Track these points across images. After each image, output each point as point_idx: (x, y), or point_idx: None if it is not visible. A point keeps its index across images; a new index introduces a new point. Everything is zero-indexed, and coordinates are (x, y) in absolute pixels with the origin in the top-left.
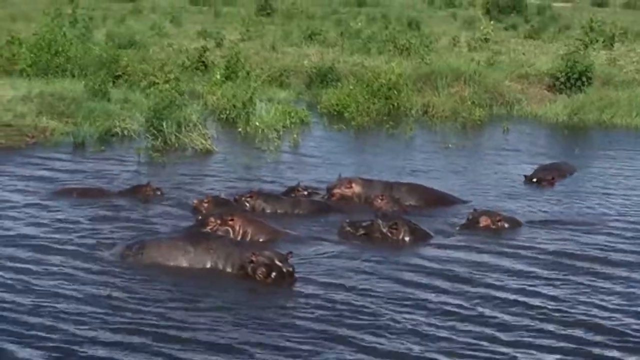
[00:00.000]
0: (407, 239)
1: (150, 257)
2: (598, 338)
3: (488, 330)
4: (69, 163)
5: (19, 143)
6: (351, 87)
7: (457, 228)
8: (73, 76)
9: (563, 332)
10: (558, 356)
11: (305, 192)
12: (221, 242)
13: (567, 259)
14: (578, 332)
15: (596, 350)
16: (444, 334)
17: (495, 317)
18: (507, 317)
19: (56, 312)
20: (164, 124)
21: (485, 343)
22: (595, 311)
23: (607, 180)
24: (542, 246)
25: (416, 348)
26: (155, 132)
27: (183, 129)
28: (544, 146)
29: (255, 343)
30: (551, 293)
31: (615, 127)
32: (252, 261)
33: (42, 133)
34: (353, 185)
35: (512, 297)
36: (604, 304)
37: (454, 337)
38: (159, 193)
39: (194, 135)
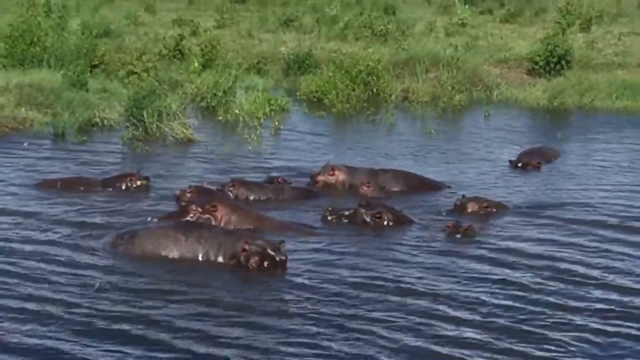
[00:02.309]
0: (391, 226)
1: (141, 246)
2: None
3: (477, 317)
4: (49, 153)
5: None
6: (330, 74)
7: (445, 214)
8: (50, 66)
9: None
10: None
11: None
12: (213, 232)
13: (553, 245)
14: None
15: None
16: (432, 320)
17: (483, 302)
18: (489, 299)
19: (45, 302)
20: (145, 113)
21: (470, 329)
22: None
23: (591, 163)
24: (528, 232)
25: (403, 335)
26: (136, 121)
27: (164, 118)
28: (526, 130)
29: (247, 333)
30: (535, 280)
31: (595, 110)
32: (244, 250)
33: (21, 124)
34: (336, 172)
35: (496, 283)
36: (583, 293)
37: (443, 324)
38: (144, 182)
39: (174, 124)
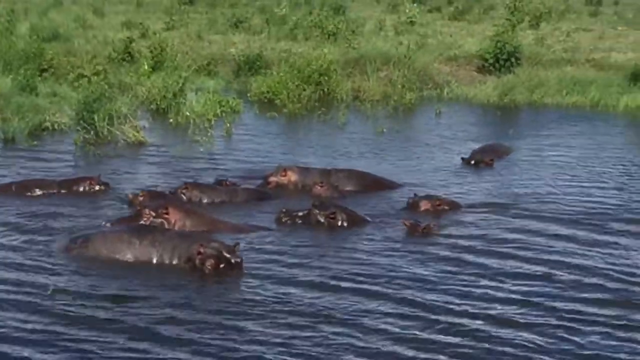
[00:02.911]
0: (345, 226)
1: (95, 249)
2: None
3: (429, 314)
4: (1, 159)
5: None
6: (282, 74)
7: (397, 213)
8: None
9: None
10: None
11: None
12: (167, 235)
13: (502, 242)
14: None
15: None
16: (387, 319)
17: (428, 300)
18: (434, 298)
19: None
20: (95, 116)
21: (421, 324)
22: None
23: (542, 160)
24: (481, 229)
25: (361, 335)
26: (87, 125)
27: (115, 121)
28: (478, 128)
29: (202, 335)
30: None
31: (545, 107)
32: (199, 253)
33: None
34: (288, 173)
35: (440, 279)
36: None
37: (400, 322)
38: (103, 187)
39: (125, 127)
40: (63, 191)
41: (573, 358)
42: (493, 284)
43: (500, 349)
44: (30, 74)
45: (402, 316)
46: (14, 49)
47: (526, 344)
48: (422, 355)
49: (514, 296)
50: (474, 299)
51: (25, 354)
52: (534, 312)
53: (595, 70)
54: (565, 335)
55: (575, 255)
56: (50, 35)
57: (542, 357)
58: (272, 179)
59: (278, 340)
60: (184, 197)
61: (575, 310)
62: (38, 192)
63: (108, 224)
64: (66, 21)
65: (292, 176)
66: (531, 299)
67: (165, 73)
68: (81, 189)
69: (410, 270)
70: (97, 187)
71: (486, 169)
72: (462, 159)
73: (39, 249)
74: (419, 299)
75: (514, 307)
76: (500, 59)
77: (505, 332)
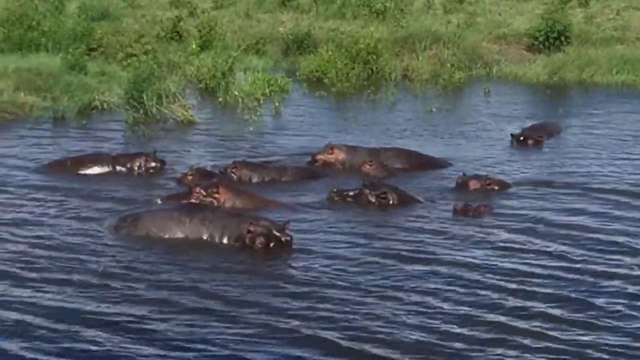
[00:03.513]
0: (395, 205)
1: (144, 228)
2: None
3: (489, 295)
4: (51, 138)
5: None
6: (330, 53)
7: (447, 192)
8: (47, 50)
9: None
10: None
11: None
12: (217, 213)
13: (553, 222)
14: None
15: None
16: (435, 300)
17: (487, 281)
18: (496, 282)
19: (53, 287)
20: (144, 96)
21: (483, 310)
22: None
23: (593, 139)
24: (528, 210)
25: (410, 315)
26: (136, 104)
27: (163, 100)
28: (527, 107)
29: (252, 312)
30: (535, 257)
31: (595, 85)
32: (249, 231)
33: (21, 109)
34: (335, 151)
35: (498, 262)
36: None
37: (452, 306)
38: (158, 165)
39: (174, 106)
40: (118, 167)
41: None
42: (543, 262)
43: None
44: (79, 53)
45: (454, 293)
46: (63, 29)
47: (594, 321)
48: (471, 333)
49: (575, 276)
50: (526, 277)
51: (77, 331)
52: (601, 291)
53: None
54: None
55: (631, 234)
56: (99, 15)
57: (612, 337)
58: (319, 157)
59: (327, 315)
60: (234, 176)
61: None
62: (93, 167)
63: (159, 201)
64: (115, 0)
65: (339, 154)
66: (597, 280)
67: (215, 52)
68: (136, 165)
69: (459, 251)
70: (152, 164)
71: (536, 149)
72: (512, 135)
73: (90, 227)
74: (470, 278)
75: (577, 287)
76: (550, 37)
77: (567, 313)
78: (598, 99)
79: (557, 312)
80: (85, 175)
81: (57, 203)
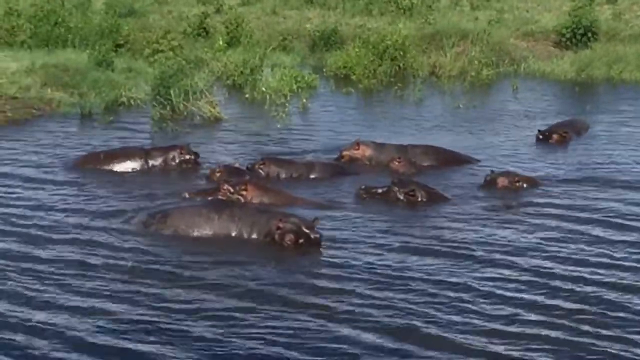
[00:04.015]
0: (424, 202)
1: (173, 225)
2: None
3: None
4: (78, 135)
5: (26, 116)
6: (357, 50)
7: (476, 189)
8: (74, 46)
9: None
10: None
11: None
12: (246, 210)
13: (587, 218)
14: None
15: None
16: (468, 296)
17: (518, 280)
18: (528, 277)
19: (80, 282)
20: (172, 92)
21: (505, 306)
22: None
23: (621, 137)
24: (559, 206)
25: (443, 310)
26: (163, 100)
27: (190, 97)
28: (555, 103)
29: (281, 310)
30: (565, 251)
31: (624, 83)
32: (279, 228)
33: (48, 105)
34: (362, 147)
35: (528, 259)
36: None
37: (482, 305)
38: (193, 157)
39: (201, 102)
40: (151, 161)
41: None
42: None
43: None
44: (106, 49)
45: (489, 289)
46: (89, 25)
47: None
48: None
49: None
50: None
51: (103, 328)
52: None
53: None
54: None
55: None
56: (126, 11)
57: None
58: (346, 152)
59: (356, 311)
60: (262, 173)
61: None
62: (126, 161)
63: (186, 195)
64: None
65: (366, 151)
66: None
67: (244, 49)
68: (170, 158)
69: (487, 248)
70: (187, 157)
71: (562, 145)
72: (538, 131)
73: (119, 223)
74: (509, 269)
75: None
76: (577, 34)
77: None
78: (627, 96)
79: None
80: (117, 169)
81: (87, 196)
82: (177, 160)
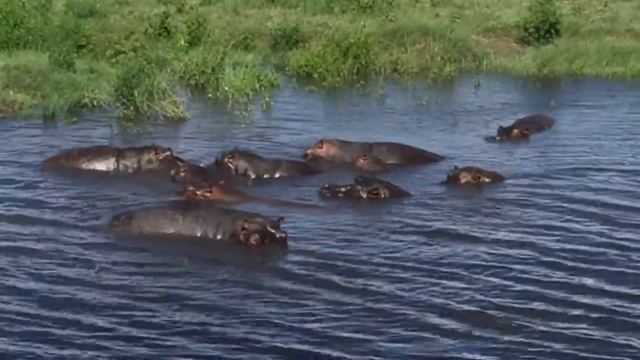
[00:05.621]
0: (387, 199)
1: (138, 226)
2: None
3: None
4: (41, 137)
5: None
6: (320, 48)
7: (439, 185)
8: (35, 48)
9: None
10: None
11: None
12: (211, 210)
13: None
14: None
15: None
16: (429, 288)
17: (476, 268)
18: (491, 265)
19: (46, 283)
20: (135, 92)
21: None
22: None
23: (582, 130)
24: (521, 200)
25: (404, 306)
26: (126, 101)
27: (154, 97)
28: (518, 99)
29: (250, 308)
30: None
31: (585, 77)
32: (244, 228)
33: (10, 107)
34: (325, 145)
35: (486, 249)
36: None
37: (447, 294)
38: (166, 155)
39: (165, 103)
40: (122, 160)
41: None
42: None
43: None
44: (67, 50)
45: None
46: (50, 26)
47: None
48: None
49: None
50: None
51: (73, 332)
52: None
53: (635, 40)
54: None
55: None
56: (86, 12)
57: None
58: (310, 151)
59: (322, 311)
60: (231, 166)
61: None
62: (98, 159)
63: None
64: None
65: (330, 149)
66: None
67: (204, 48)
68: (144, 158)
69: (447, 245)
70: (162, 156)
71: (524, 141)
72: (500, 127)
73: (81, 226)
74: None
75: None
76: (541, 30)
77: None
78: (588, 91)
79: None
80: (87, 169)
81: (54, 199)
82: (153, 162)
